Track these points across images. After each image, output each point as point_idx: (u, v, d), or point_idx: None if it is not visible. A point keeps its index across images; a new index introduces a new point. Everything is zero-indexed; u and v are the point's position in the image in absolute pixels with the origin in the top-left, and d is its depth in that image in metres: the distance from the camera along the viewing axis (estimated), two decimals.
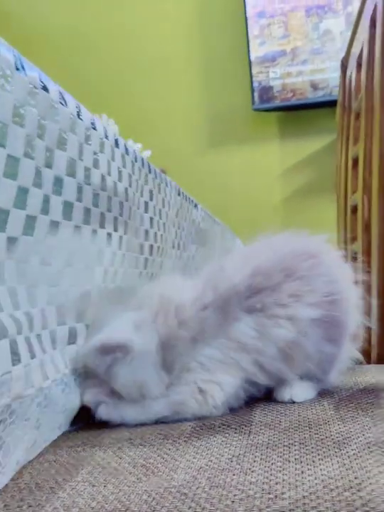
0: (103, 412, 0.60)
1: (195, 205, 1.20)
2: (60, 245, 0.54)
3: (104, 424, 0.60)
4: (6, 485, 0.45)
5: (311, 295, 0.62)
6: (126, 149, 0.71)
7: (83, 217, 0.59)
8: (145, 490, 0.42)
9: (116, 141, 0.67)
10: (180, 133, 2.51)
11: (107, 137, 0.63)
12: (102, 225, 0.65)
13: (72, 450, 0.53)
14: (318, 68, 2.37)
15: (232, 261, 0.69)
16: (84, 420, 0.61)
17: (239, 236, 2.01)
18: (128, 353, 0.59)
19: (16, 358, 0.47)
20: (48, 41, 2.57)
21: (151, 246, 0.87)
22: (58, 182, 0.52)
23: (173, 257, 1.02)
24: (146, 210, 0.83)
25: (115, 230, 0.69)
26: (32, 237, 0.49)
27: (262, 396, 0.65)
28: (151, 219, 0.86)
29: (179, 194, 1.04)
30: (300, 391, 0.64)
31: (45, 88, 0.47)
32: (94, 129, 0.59)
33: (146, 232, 0.84)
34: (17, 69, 0.43)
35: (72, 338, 0.60)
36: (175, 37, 2.52)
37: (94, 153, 0.60)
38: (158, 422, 0.61)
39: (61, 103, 0.51)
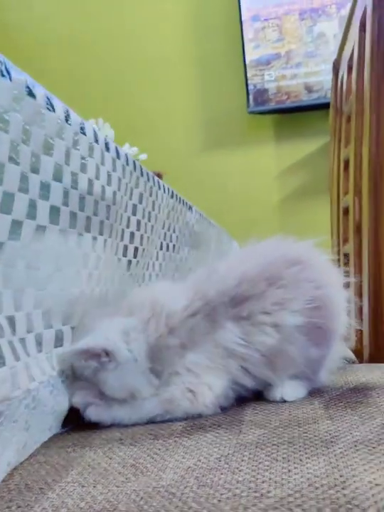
0: (92, 414, 0.61)
1: (190, 208, 1.21)
2: (46, 249, 0.55)
3: (95, 425, 0.61)
4: None
5: (294, 302, 0.63)
6: (118, 153, 0.72)
7: (69, 221, 0.60)
8: (134, 490, 0.42)
9: (106, 145, 0.67)
10: (176, 136, 2.52)
11: (97, 141, 0.64)
12: (87, 229, 0.66)
13: (63, 451, 0.53)
14: (312, 71, 2.38)
15: (222, 267, 0.69)
16: (75, 421, 0.61)
17: (236, 238, 2.02)
18: (113, 359, 0.60)
19: (0, 360, 0.47)
20: (45, 44, 2.58)
21: (136, 248, 0.87)
22: (45, 187, 0.52)
23: (161, 259, 1.02)
24: (134, 213, 0.83)
25: (100, 233, 0.69)
26: (18, 241, 0.49)
27: (251, 396, 0.66)
28: (139, 221, 0.86)
29: (172, 196, 1.05)
30: (291, 390, 0.65)
31: (31, 93, 0.48)
32: (83, 133, 0.60)
33: (132, 234, 0.84)
34: (2, 75, 0.44)
35: (58, 341, 0.61)
36: (170, 41, 2.53)
37: (82, 158, 0.60)
38: (150, 421, 0.61)
39: (48, 108, 0.51)
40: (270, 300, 0.63)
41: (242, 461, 0.47)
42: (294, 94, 2.40)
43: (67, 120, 0.55)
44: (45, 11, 2.63)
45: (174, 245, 1.09)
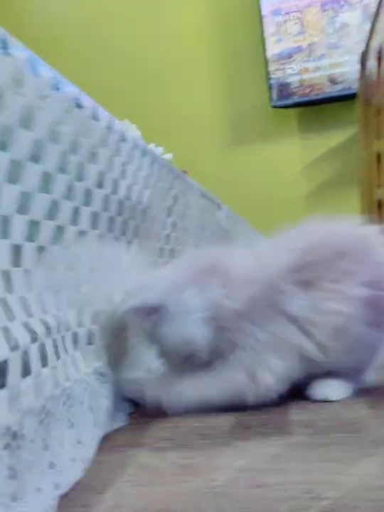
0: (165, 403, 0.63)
1: (219, 206, 1.22)
2: (84, 253, 0.56)
3: (144, 424, 0.62)
4: (57, 484, 0.47)
5: (361, 274, 0.61)
6: (154, 157, 0.73)
7: (107, 225, 0.61)
8: (188, 490, 0.43)
9: (144, 150, 0.68)
10: (200, 133, 2.52)
11: (136, 147, 0.65)
12: (123, 233, 0.67)
13: (116, 450, 0.54)
14: (335, 62, 2.35)
15: (286, 239, 0.68)
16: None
17: (262, 234, 2.02)
18: (166, 313, 0.61)
19: (44, 360, 0.49)
20: (67, 47, 2.61)
21: (172, 249, 0.88)
22: (88, 194, 0.54)
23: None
24: (169, 215, 0.84)
25: (136, 236, 0.71)
26: (60, 245, 0.51)
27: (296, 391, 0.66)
28: (173, 223, 0.87)
29: (203, 196, 1.06)
30: (335, 390, 0.65)
31: (79, 105, 0.49)
32: (124, 140, 0.61)
33: (167, 235, 0.85)
34: (56, 89, 0.45)
35: (89, 339, 0.62)
36: (191, 39, 2.53)
37: (123, 165, 0.62)
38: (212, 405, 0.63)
39: (94, 118, 0.52)
40: (338, 269, 0.62)
41: (293, 462, 0.47)
42: (318, 86, 2.37)
43: (110, 128, 0.56)
44: (64, 12, 2.65)
45: (206, 244, 1.10)
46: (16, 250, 0.45)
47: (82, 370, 0.59)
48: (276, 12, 2.36)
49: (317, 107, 2.41)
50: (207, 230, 1.08)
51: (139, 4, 2.58)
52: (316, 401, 0.65)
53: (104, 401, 0.62)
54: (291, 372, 0.63)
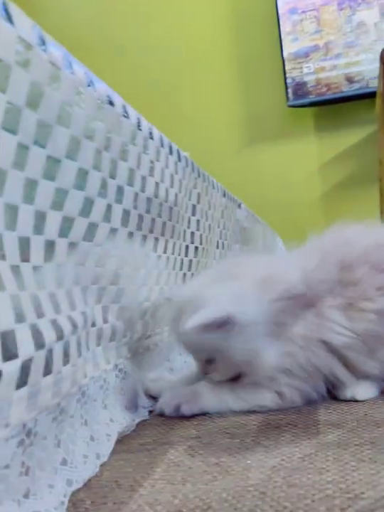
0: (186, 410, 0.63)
1: (239, 205, 1.21)
2: (114, 250, 0.56)
3: (169, 422, 0.62)
4: (89, 481, 0.47)
5: None
6: (179, 155, 0.73)
7: (137, 223, 0.61)
8: (223, 488, 0.43)
9: (170, 148, 0.68)
10: (217, 132, 2.52)
11: (162, 146, 0.65)
12: (151, 230, 0.67)
13: (144, 448, 0.54)
14: (352, 61, 2.33)
15: (313, 255, 0.67)
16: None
17: (279, 232, 2.01)
18: (234, 325, 0.59)
19: (66, 358, 0.49)
20: (83, 47, 2.61)
21: (196, 248, 0.88)
22: (120, 191, 0.54)
23: (216, 258, 1.03)
24: (193, 213, 0.84)
25: (162, 234, 0.71)
26: (91, 242, 0.51)
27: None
28: (198, 221, 0.87)
29: (224, 195, 1.05)
30: (363, 390, 0.64)
31: (111, 102, 0.49)
32: (152, 138, 0.61)
33: (192, 234, 0.85)
34: (88, 85, 0.45)
35: (113, 336, 0.62)
36: (207, 38, 2.53)
37: (151, 162, 0.62)
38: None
39: (124, 115, 0.52)
40: (373, 285, 0.62)
41: (327, 461, 0.47)
42: (335, 85, 2.36)
43: (139, 126, 0.56)
44: (79, 13, 2.66)
45: (228, 243, 1.10)
46: (50, 246, 0.45)
47: (101, 366, 0.59)
48: (292, 11, 2.35)
49: (334, 106, 2.39)
50: (228, 229, 1.08)
51: (155, 3, 2.58)
52: (343, 400, 0.64)
53: (122, 398, 0.62)
54: (316, 390, 0.64)
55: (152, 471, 0.48)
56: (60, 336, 0.47)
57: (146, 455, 0.52)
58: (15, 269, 0.39)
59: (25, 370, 0.40)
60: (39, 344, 0.43)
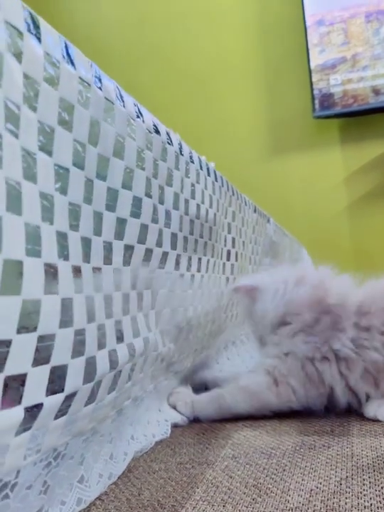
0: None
1: (268, 220, 1.22)
2: (166, 274, 0.58)
3: (205, 440, 0.63)
4: (130, 501, 0.48)
5: None
6: (216, 176, 0.74)
7: (183, 245, 0.63)
8: (262, 511, 0.44)
9: (208, 169, 0.70)
10: (243, 142, 2.53)
11: (201, 168, 0.66)
12: (195, 251, 0.68)
13: (182, 467, 0.56)
14: (379, 73, 2.33)
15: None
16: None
17: (304, 243, 2.01)
18: (259, 292, 0.76)
19: (113, 386, 0.50)
20: (109, 51, 2.65)
21: (232, 265, 0.89)
22: (168, 215, 0.55)
23: (249, 273, 1.04)
24: (229, 231, 0.85)
25: (204, 254, 0.72)
26: (147, 267, 0.52)
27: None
28: (233, 239, 0.88)
29: (255, 211, 1.07)
30: None
31: (157, 131, 0.51)
32: (192, 162, 0.62)
33: (228, 252, 0.87)
34: (137, 117, 0.47)
35: (167, 357, 0.64)
36: (235, 48, 2.55)
37: (192, 185, 0.63)
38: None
39: (168, 142, 0.54)
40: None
41: (364, 485, 0.47)
42: (361, 97, 2.35)
43: (181, 151, 0.58)
44: (108, 16, 2.70)
45: (259, 258, 1.11)
46: (118, 273, 0.47)
47: (145, 388, 0.60)
48: (320, 22, 2.36)
49: (359, 118, 2.38)
50: (259, 244, 1.09)
51: (184, 14, 2.61)
52: (376, 422, 0.65)
53: (148, 414, 0.63)
54: (314, 399, 0.70)
55: (192, 491, 0.49)
56: (114, 367, 0.49)
57: (184, 475, 0.53)
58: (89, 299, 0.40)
59: (67, 401, 0.41)
60: (89, 378, 0.44)
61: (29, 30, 0.31)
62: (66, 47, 0.36)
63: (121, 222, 0.44)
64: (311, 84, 2.37)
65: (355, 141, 2.42)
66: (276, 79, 2.51)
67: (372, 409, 0.66)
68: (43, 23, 0.34)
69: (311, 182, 2.44)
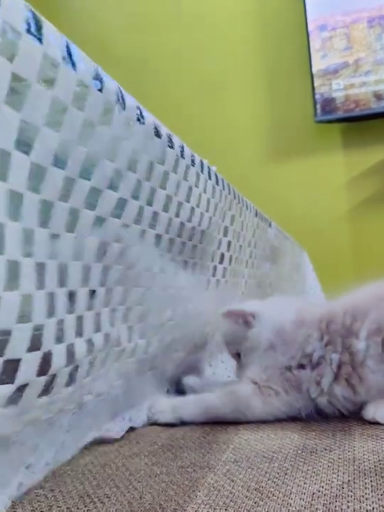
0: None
1: (270, 224, 1.22)
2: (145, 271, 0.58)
3: (207, 444, 0.63)
4: (131, 504, 0.48)
5: None
6: (217, 179, 0.74)
7: (167, 246, 0.63)
8: None
9: (208, 173, 0.70)
10: (244, 146, 2.53)
11: (202, 171, 0.66)
12: (180, 253, 0.69)
13: (184, 471, 0.55)
14: (381, 78, 2.33)
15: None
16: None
17: (305, 247, 2.01)
18: (256, 321, 0.77)
19: (71, 380, 0.50)
20: (112, 56, 2.66)
21: (225, 268, 0.89)
22: (155, 217, 0.56)
23: (247, 277, 1.04)
24: (225, 235, 0.85)
25: (192, 257, 0.72)
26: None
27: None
28: (229, 242, 0.88)
29: (256, 215, 1.07)
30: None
31: (157, 134, 0.51)
32: (193, 165, 0.62)
33: (222, 255, 0.87)
34: (137, 120, 0.47)
35: (133, 353, 0.64)
36: (237, 52, 2.56)
37: (189, 188, 0.63)
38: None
39: (169, 146, 0.54)
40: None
41: (366, 489, 0.47)
42: (363, 102, 2.35)
43: (182, 155, 0.58)
44: (112, 22, 2.70)
45: (257, 262, 1.11)
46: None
47: (111, 383, 0.60)
48: (322, 27, 2.36)
49: (361, 123, 2.39)
50: (258, 248, 1.09)
51: (185, 17, 2.62)
52: (378, 426, 0.65)
53: (109, 407, 0.63)
54: (297, 404, 0.71)
55: (194, 495, 0.49)
56: (70, 361, 0.49)
57: (186, 478, 0.53)
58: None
59: (19, 392, 0.42)
60: (43, 371, 0.44)
61: (29, 31, 0.31)
62: (68, 47, 0.36)
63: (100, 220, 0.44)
64: (313, 89, 2.38)
65: (357, 146, 2.42)
66: (279, 83, 2.51)
67: (370, 411, 0.67)
68: (46, 23, 0.34)
69: (313, 186, 2.44)
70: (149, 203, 0.54)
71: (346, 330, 0.70)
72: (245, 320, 0.78)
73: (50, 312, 0.43)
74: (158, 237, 0.60)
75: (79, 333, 0.49)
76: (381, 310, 0.70)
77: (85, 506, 0.48)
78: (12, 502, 0.47)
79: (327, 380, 0.70)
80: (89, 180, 0.43)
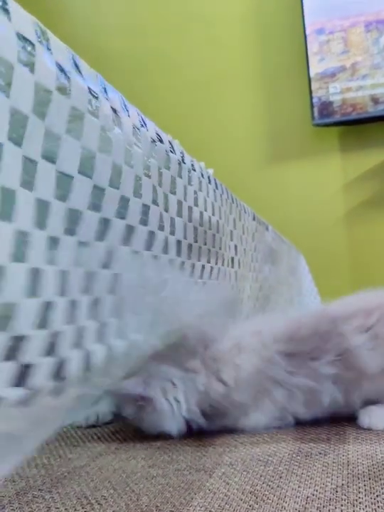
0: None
1: (267, 228, 1.23)
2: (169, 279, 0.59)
3: (203, 447, 0.63)
4: (128, 506, 0.48)
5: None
6: (216, 183, 0.75)
7: (187, 252, 0.63)
8: None
9: (208, 177, 0.70)
10: (241, 149, 2.54)
11: (203, 176, 0.67)
12: (199, 258, 0.69)
13: (180, 474, 0.56)
14: (378, 82, 2.35)
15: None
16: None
17: (301, 251, 2.02)
18: (150, 405, 0.66)
19: None
20: (110, 59, 2.66)
21: (236, 272, 0.90)
22: (173, 223, 0.56)
23: (251, 281, 1.05)
24: (231, 239, 0.86)
25: (208, 261, 0.73)
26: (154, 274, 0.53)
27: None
28: (235, 246, 0.89)
29: (254, 218, 1.07)
30: (378, 420, 0.66)
31: (160, 140, 0.52)
32: (194, 170, 0.63)
33: (232, 259, 0.87)
34: (141, 125, 0.47)
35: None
36: (235, 55, 2.56)
37: (194, 193, 0.64)
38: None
39: (171, 151, 0.55)
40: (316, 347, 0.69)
41: (359, 493, 0.48)
42: (360, 106, 2.37)
43: (183, 160, 0.59)
44: (109, 24, 2.71)
45: (259, 266, 1.12)
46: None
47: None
48: (320, 31, 2.37)
49: (359, 126, 2.40)
50: (259, 251, 1.10)
51: (183, 20, 2.62)
52: (370, 430, 0.66)
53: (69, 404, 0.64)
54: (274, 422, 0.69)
55: (190, 497, 0.50)
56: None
57: (182, 481, 0.54)
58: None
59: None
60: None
61: (40, 41, 0.32)
62: (73, 58, 0.36)
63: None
64: (311, 92, 2.39)
65: (354, 150, 2.43)
66: (276, 87, 2.52)
67: (365, 420, 0.67)
68: (51, 35, 0.35)
69: (310, 190, 2.45)
70: (166, 209, 0.55)
71: None
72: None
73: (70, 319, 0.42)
74: (179, 242, 0.60)
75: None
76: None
77: (82, 508, 0.48)
78: (7, 502, 0.48)
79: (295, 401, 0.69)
80: (118, 189, 0.43)
